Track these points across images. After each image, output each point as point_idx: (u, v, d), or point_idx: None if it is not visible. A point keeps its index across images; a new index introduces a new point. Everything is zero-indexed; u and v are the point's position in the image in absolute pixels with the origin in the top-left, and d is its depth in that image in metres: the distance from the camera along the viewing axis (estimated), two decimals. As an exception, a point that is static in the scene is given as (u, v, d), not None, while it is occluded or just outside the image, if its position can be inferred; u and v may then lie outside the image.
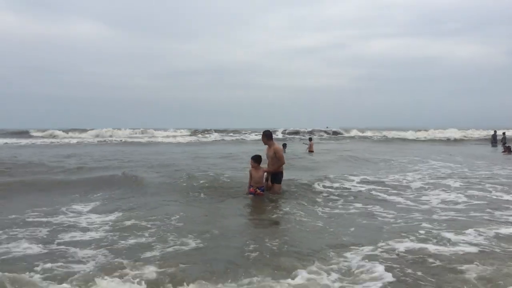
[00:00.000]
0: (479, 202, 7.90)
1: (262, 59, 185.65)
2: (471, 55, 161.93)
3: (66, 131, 43.61)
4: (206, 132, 47.58)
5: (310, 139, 24.34)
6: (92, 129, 44.02)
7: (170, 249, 4.98)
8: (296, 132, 48.60)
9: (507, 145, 22.93)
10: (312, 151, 22.18)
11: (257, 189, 8.44)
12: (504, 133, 30.21)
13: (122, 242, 5.27)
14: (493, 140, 30.99)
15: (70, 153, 19.97)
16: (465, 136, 41.87)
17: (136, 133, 43.97)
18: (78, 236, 5.60)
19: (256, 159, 8.49)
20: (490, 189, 9.32)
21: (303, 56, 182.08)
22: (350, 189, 9.29)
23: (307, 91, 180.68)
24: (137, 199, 8.23)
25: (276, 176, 8.58)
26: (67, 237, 5.55)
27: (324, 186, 9.41)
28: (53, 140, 36.03)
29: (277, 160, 8.43)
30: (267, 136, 8.67)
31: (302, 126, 53.75)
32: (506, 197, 8.38)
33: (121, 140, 36.09)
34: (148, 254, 4.76)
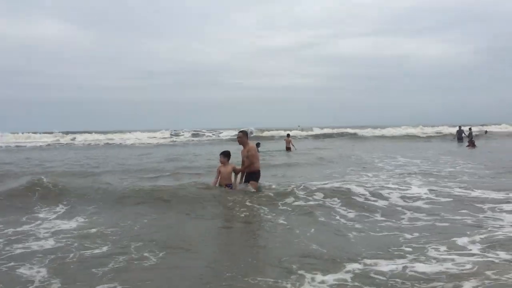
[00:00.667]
0: (447, 199, 7.88)
1: (234, 58, 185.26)
2: (440, 53, 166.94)
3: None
4: (173, 133, 46.31)
5: (288, 135, 23.29)
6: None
7: (122, 265, 4.53)
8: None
9: (472, 140, 24.51)
10: (289, 148, 21.38)
11: (225, 186, 8.35)
12: (470, 129, 31.35)
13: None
14: (459, 136, 31.98)
15: None
16: (424, 133, 42.89)
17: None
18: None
19: (226, 154, 8.41)
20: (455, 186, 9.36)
21: (275, 55, 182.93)
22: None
23: (280, 90, 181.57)
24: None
25: (253, 174, 8.47)
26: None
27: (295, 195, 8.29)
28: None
29: (250, 158, 8.36)
30: (244, 134, 8.67)
31: (275, 126, 53.83)
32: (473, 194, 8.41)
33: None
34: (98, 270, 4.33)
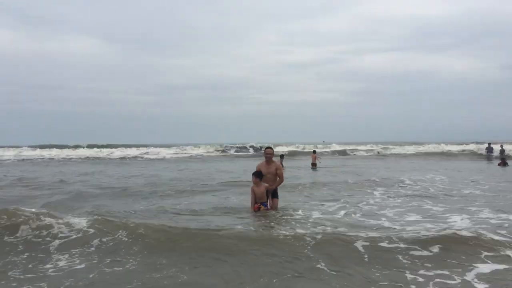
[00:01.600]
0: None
1: (254, 74, 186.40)
2: (466, 69, 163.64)
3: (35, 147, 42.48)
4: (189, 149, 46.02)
5: (314, 152, 22.94)
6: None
7: None
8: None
9: (503, 157, 23.73)
10: (315, 164, 21.16)
11: (261, 205, 8.35)
12: (502, 146, 30.53)
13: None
14: (489, 152, 31.25)
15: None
16: (462, 150, 41.23)
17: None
18: None
19: (258, 175, 8.37)
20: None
21: (295, 71, 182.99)
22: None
23: (301, 106, 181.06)
24: None
25: (274, 191, 8.63)
26: None
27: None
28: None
29: (278, 177, 8.53)
30: (272, 150, 8.83)
31: (297, 140, 53.62)
32: None
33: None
34: None
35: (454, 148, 42.42)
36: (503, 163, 22.68)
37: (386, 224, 7.37)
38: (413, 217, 8.02)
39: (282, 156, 21.08)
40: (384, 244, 5.47)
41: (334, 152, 42.14)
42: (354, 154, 40.89)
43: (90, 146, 45.15)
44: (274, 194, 8.63)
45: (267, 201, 8.39)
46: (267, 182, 8.41)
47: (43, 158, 34.23)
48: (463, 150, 39.65)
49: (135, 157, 36.12)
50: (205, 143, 53.76)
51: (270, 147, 8.91)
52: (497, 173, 18.21)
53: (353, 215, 8.31)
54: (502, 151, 29.33)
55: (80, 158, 34.89)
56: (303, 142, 52.15)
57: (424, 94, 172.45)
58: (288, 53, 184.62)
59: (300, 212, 8.47)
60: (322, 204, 9.48)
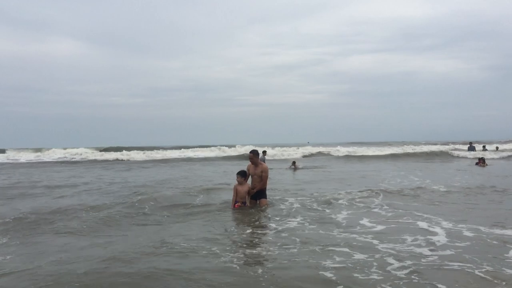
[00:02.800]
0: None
1: (241, 76, 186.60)
2: (448, 70, 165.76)
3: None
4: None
5: (294, 163, 24.07)
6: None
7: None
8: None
9: (483, 157, 24.01)
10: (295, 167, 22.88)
11: (242, 204, 8.84)
12: (484, 146, 30.94)
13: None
14: (470, 150, 31.61)
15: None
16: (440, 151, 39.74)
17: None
18: None
19: (243, 174, 8.90)
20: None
21: (282, 73, 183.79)
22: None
23: (287, 107, 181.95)
24: None
25: (262, 192, 9.08)
26: None
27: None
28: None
29: (263, 179, 8.94)
30: (255, 154, 9.07)
31: (284, 142, 53.48)
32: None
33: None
34: None
35: (425, 148, 41.54)
36: (483, 161, 22.83)
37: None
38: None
39: (264, 152, 22.70)
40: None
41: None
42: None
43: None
44: (262, 195, 9.09)
45: (246, 201, 8.89)
46: (254, 183, 8.95)
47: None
48: (440, 151, 38.01)
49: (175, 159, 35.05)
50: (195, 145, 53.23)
51: (252, 151, 9.18)
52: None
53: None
54: (485, 150, 29.62)
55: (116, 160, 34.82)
56: (289, 143, 52.09)
57: (408, 95, 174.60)
58: (275, 54, 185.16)
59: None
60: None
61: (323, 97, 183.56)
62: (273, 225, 7.47)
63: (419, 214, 8.42)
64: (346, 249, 5.77)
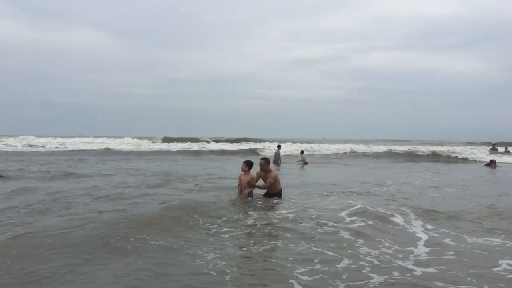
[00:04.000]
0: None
1: (260, 70, 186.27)
2: (468, 69, 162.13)
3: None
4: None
5: (302, 152, 24.93)
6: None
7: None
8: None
9: (494, 159, 23.38)
10: (306, 163, 23.26)
11: (247, 195, 8.84)
12: (506, 148, 30.08)
13: None
14: (493, 152, 30.71)
15: None
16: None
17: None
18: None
19: (248, 164, 9.00)
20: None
21: (301, 68, 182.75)
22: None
23: (303, 102, 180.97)
24: None
25: (275, 194, 9.22)
26: None
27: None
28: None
29: (276, 185, 9.15)
30: (266, 162, 9.09)
31: (297, 137, 52.95)
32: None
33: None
34: None
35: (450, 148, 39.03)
36: (491, 163, 22.25)
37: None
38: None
39: (279, 147, 23.73)
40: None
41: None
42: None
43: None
44: (277, 195, 9.21)
45: (253, 194, 8.96)
46: (269, 189, 9.16)
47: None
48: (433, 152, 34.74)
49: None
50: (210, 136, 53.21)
51: (263, 159, 9.22)
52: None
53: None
54: (507, 152, 28.78)
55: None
56: (304, 139, 51.53)
57: (426, 93, 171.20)
58: (293, 49, 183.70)
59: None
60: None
61: (339, 93, 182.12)
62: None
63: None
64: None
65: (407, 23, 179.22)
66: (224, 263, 4.92)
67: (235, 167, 17.22)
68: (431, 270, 4.89)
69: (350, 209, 8.17)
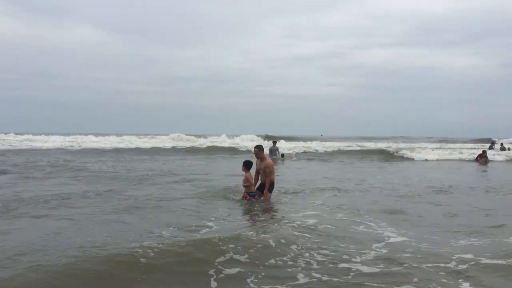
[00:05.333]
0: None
1: (259, 66, 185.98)
2: (468, 66, 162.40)
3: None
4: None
5: (282, 155, 24.21)
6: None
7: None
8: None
9: (485, 154, 23.31)
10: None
11: (247, 195, 8.78)
12: (502, 144, 30.39)
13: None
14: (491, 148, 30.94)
15: None
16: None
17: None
18: None
19: (245, 164, 8.89)
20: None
21: (301, 64, 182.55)
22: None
23: (303, 99, 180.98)
24: None
25: (270, 186, 8.82)
26: None
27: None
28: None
29: (268, 174, 8.67)
30: (260, 149, 8.99)
31: (298, 134, 53.35)
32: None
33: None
34: None
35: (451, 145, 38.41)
36: (481, 158, 22.49)
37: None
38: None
39: (274, 142, 24.41)
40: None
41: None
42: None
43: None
44: (269, 189, 8.78)
45: (255, 192, 8.79)
46: (262, 176, 8.83)
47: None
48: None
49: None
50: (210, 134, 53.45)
51: (256, 146, 9.13)
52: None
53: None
54: (502, 148, 29.15)
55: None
56: (303, 136, 51.91)
57: (426, 90, 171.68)
58: (293, 46, 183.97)
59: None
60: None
61: (339, 90, 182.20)
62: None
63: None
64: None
65: (407, 20, 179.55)
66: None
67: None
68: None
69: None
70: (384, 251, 5.32)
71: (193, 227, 6.34)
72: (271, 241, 5.30)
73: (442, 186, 11.98)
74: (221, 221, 6.87)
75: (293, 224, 6.37)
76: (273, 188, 8.92)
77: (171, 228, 6.15)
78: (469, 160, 24.40)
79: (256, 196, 8.79)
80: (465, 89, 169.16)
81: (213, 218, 7.00)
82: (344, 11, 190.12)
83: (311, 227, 6.38)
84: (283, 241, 5.40)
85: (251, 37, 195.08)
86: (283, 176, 14.29)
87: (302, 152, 29.85)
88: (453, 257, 5.06)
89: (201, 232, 6.04)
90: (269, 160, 8.91)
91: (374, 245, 5.56)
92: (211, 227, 6.39)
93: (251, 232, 5.64)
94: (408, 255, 5.16)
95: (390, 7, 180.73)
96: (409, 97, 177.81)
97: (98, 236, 5.57)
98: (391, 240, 5.91)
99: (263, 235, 5.51)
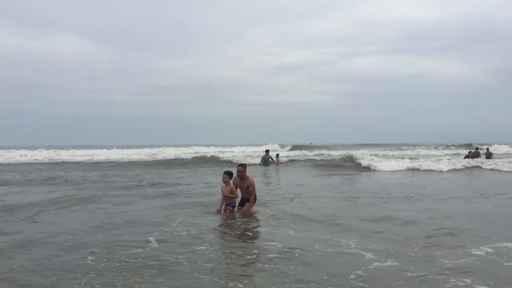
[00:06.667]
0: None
1: (248, 75, 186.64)
2: (454, 73, 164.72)
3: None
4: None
5: (277, 155, 25.99)
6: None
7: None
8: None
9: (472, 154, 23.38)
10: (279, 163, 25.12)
11: (227, 206, 8.71)
12: (487, 149, 30.54)
13: None
14: (476, 157, 30.78)
15: None
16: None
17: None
18: None
19: (228, 173, 8.78)
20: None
21: (289, 73, 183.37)
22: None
23: (293, 107, 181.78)
24: None
25: (248, 200, 8.96)
26: None
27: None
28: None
29: (250, 191, 8.86)
30: (245, 168, 8.95)
31: (285, 142, 53.36)
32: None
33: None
34: None
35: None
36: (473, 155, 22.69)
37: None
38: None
39: (267, 151, 25.21)
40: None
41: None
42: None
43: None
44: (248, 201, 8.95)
45: (235, 204, 8.79)
46: (242, 194, 8.96)
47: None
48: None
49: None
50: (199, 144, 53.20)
51: (241, 165, 9.08)
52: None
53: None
54: (487, 153, 29.24)
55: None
56: (291, 144, 51.87)
57: (414, 97, 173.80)
58: (282, 54, 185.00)
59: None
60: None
61: (328, 98, 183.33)
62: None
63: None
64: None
65: (392, 28, 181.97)
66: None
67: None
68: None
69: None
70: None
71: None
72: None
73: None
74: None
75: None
76: (255, 201, 9.10)
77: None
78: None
79: (236, 209, 8.79)
80: (452, 96, 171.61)
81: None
82: (330, 20, 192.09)
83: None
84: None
85: (239, 46, 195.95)
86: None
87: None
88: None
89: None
90: (251, 178, 8.93)
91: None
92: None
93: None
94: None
95: (378, 15, 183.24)
96: (397, 104, 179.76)
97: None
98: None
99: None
